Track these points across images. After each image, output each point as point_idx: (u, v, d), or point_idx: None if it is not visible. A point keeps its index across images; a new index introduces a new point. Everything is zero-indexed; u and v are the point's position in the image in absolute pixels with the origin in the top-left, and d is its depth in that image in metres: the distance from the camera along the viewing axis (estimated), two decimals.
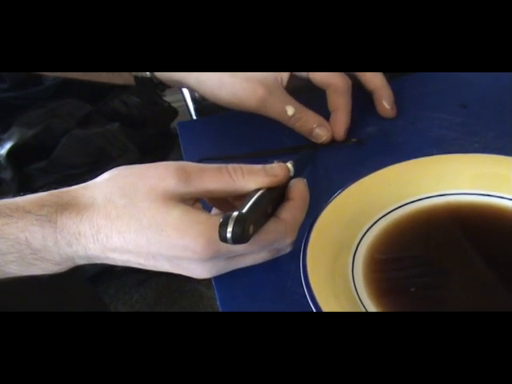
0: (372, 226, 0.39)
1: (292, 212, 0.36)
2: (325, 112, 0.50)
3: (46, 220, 0.34)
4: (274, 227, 0.35)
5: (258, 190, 0.36)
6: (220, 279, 0.37)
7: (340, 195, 0.39)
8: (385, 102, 0.50)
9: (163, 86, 0.51)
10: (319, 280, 0.34)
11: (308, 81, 0.50)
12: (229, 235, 0.31)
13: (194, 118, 0.62)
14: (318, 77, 0.49)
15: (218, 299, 0.37)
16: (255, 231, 0.34)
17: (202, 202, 0.38)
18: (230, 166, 0.36)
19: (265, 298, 0.37)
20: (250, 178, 0.36)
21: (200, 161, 0.49)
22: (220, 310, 0.37)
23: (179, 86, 0.53)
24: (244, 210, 0.33)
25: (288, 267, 0.38)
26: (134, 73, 0.51)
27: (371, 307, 0.34)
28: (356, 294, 0.34)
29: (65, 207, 0.34)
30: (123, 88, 1.22)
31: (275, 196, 0.37)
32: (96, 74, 0.51)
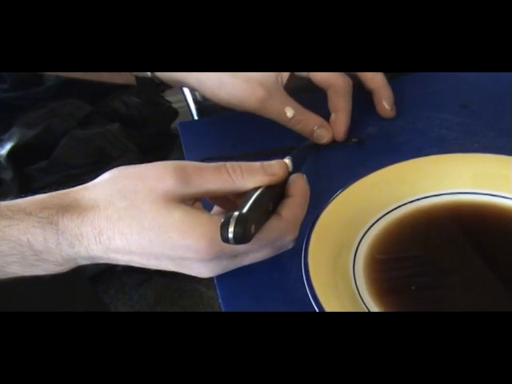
0: (372, 225, 0.39)
1: (293, 209, 0.37)
2: (325, 112, 0.50)
3: (47, 222, 0.34)
4: (276, 225, 0.36)
5: (257, 188, 0.36)
6: (222, 279, 0.37)
7: (340, 195, 0.39)
8: (385, 102, 0.50)
9: (164, 85, 0.51)
10: (321, 279, 0.34)
11: (308, 80, 0.50)
12: (230, 235, 0.32)
13: (196, 118, 0.62)
14: (319, 77, 0.49)
15: (221, 299, 0.37)
16: (257, 230, 0.34)
17: (203, 200, 0.38)
18: (229, 164, 0.36)
19: (267, 298, 0.37)
20: (249, 178, 0.36)
21: (203, 161, 0.49)
22: (222, 309, 0.37)
23: (180, 85, 0.53)
24: (245, 210, 0.33)
25: (289, 266, 0.38)
26: (134, 72, 0.51)
27: (372, 305, 0.34)
28: (357, 293, 0.35)
29: (66, 209, 0.34)
30: (123, 88, 1.22)
31: (275, 193, 0.37)
32: (97, 73, 0.51)
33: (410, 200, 0.40)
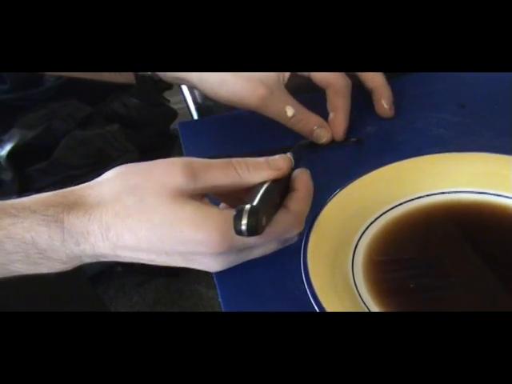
0: (371, 224, 0.39)
1: (298, 202, 0.37)
2: (326, 112, 0.50)
3: (52, 220, 0.34)
4: (284, 218, 0.36)
5: (263, 182, 0.36)
6: (222, 279, 0.38)
7: (339, 194, 0.40)
8: (384, 102, 0.51)
9: (163, 83, 0.52)
10: (320, 278, 0.34)
11: (308, 79, 0.50)
12: (244, 227, 0.32)
13: (195, 118, 0.62)
14: (319, 76, 0.49)
15: (221, 298, 0.37)
16: (267, 222, 0.34)
17: (208, 195, 0.38)
18: (235, 160, 0.37)
19: (267, 297, 0.37)
20: (255, 172, 0.36)
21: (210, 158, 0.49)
22: (222, 309, 0.37)
23: (180, 83, 0.53)
24: (256, 203, 0.33)
25: (289, 265, 0.38)
26: None
27: (371, 303, 0.34)
28: (356, 291, 0.35)
29: (71, 207, 0.34)
30: (123, 89, 1.23)
31: (281, 187, 0.37)
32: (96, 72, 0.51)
33: (409, 199, 0.41)
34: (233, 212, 0.33)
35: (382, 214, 0.40)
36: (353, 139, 0.50)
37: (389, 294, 0.35)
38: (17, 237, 0.34)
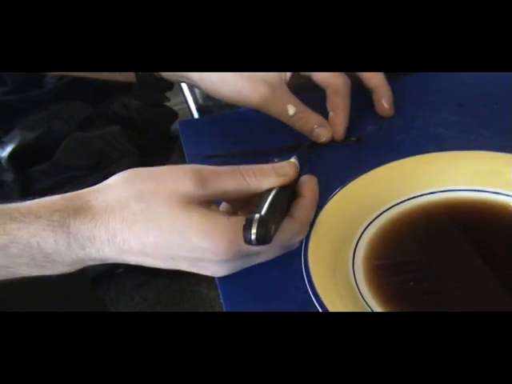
0: (371, 222, 0.39)
1: (304, 210, 0.37)
2: (327, 111, 0.50)
3: (58, 225, 0.34)
4: (289, 226, 0.36)
5: (270, 189, 0.37)
6: (224, 279, 0.38)
7: (339, 192, 0.40)
8: (384, 101, 0.51)
9: (164, 82, 0.52)
10: (321, 276, 0.34)
11: (309, 79, 0.50)
12: (253, 237, 0.33)
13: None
14: (319, 76, 0.49)
15: (222, 298, 0.37)
16: (275, 231, 0.35)
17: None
18: (242, 167, 0.37)
19: (268, 296, 0.37)
20: (262, 179, 0.37)
21: (204, 159, 0.50)
22: (224, 309, 0.37)
23: (181, 81, 0.53)
24: (264, 212, 0.34)
25: (290, 265, 0.38)
26: None
27: (371, 300, 0.34)
28: (357, 289, 0.35)
29: (77, 211, 0.34)
30: (124, 91, 1.23)
31: (288, 194, 0.38)
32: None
33: (409, 197, 0.41)
34: (240, 219, 0.34)
35: (382, 213, 0.40)
36: (353, 138, 0.50)
37: (388, 288, 0.36)
38: (22, 241, 0.34)
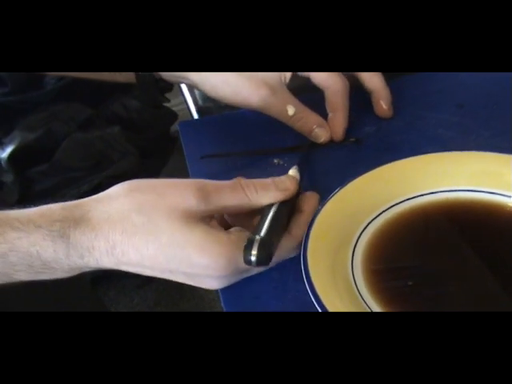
0: (370, 222, 0.40)
1: (303, 227, 0.38)
2: (326, 113, 0.50)
3: (57, 236, 0.34)
4: (287, 244, 0.37)
5: (271, 204, 0.37)
6: None
7: (338, 193, 0.40)
8: (382, 102, 0.51)
9: (164, 83, 0.52)
10: (320, 277, 0.34)
11: (308, 80, 0.50)
12: (253, 258, 0.33)
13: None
14: (318, 77, 0.49)
15: (222, 299, 0.37)
16: (275, 250, 0.35)
17: None
18: (243, 181, 0.37)
19: (268, 296, 0.37)
20: (263, 194, 0.37)
21: (202, 158, 0.50)
22: (224, 309, 0.37)
23: (181, 82, 0.53)
24: (265, 232, 0.34)
25: (289, 265, 0.38)
26: None
27: (370, 300, 0.34)
28: (356, 289, 0.35)
29: (77, 222, 0.34)
30: (124, 92, 1.23)
31: (288, 209, 0.38)
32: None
33: (408, 197, 0.41)
34: (240, 236, 0.34)
35: (381, 213, 0.40)
36: (352, 139, 0.50)
37: (386, 287, 0.36)
38: (21, 250, 0.34)
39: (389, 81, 0.51)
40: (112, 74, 0.52)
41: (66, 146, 1.12)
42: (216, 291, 0.38)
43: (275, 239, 0.35)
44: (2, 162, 1.12)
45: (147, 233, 0.34)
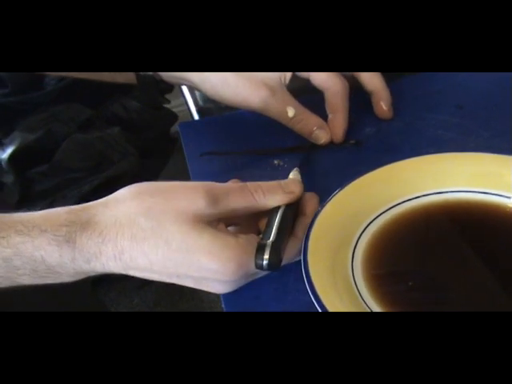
0: (370, 223, 0.40)
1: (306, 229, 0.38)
2: (326, 114, 0.50)
3: (63, 240, 0.34)
4: (293, 246, 0.37)
5: (277, 207, 0.37)
6: None
7: (338, 194, 0.40)
8: (382, 104, 0.51)
9: (165, 84, 0.52)
10: (320, 277, 0.34)
11: (308, 81, 0.50)
12: (265, 263, 0.33)
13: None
14: (317, 79, 0.50)
15: (223, 299, 0.37)
16: (283, 253, 0.35)
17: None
18: (250, 184, 0.37)
19: (268, 297, 0.37)
20: (269, 197, 0.37)
21: (202, 155, 0.50)
22: (224, 309, 0.37)
23: (181, 83, 0.53)
24: (275, 236, 0.34)
25: (289, 266, 0.38)
26: None
27: (370, 300, 0.34)
28: (356, 288, 0.35)
29: (84, 226, 0.34)
30: (124, 92, 1.23)
31: (293, 212, 0.38)
32: (98, 72, 0.51)
33: (407, 198, 0.41)
34: (249, 240, 0.34)
35: (381, 214, 0.40)
36: (351, 142, 0.50)
37: (386, 287, 0.36)
38: (26, 254, 0.34)
39: (389, 82, 0.51)
40: (112, 74, 0.52)
41: (66, 147, 1.12)
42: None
43: (284, 242, 0.36)
44: (3, 163, 1.12)
45: (157, 237, 0.34)
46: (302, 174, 0.43)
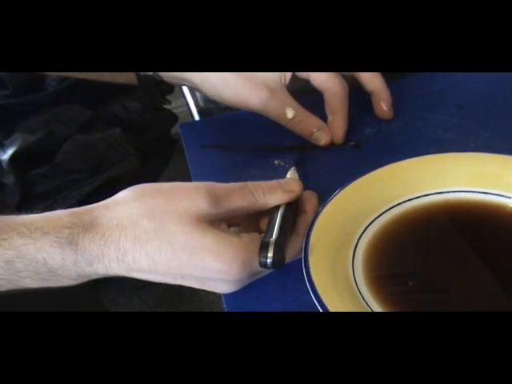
0: (371, 223, 0.40)
1: (308, 227, 0.38)
2: (326, 115, 0.50)
3: (66, 242, 0.34)
4: (295, 243, 0.37)
5: (277, 206, 0.37)
6: None
7: (339, 194, 0.40)
8: (383, 104, 0.51)
9: (165, 84, 0.52)
10: (321, 277, 0.34)
11: (308, 82, 0.50)
12: (269, 261, 0.34)
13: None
14: (317, 80, 0.50)
15: (224, 299, 0.37)
16: (286, 252, 0.35)
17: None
18: (250, 184, 0.37)
19: (269, 297, 0.37)
20: (270, 196, 0.37)
21: (202, 147, 0.50)
22: (225, 309, 0.37)
23: (181, 83, 0.53)
24: (278, 234, 0.35)
25: (290, 265, 0.38)
26: None
27: (371, 300, 0.34)
28: (356, 288, 0.35)
29: (86, 229, 0.34)
30: (124, 93, 1.23)
31: (294, 210, 0.38)
32: (99, 73, 0.51)
33: (408, 198, 0.41)
34: (252, 239, 0.34)
35: (381, 214, 0.40)
36: (351, 143, 0.50)
37: (386, 288, 0.36)
38: (28, 257, 0.34)
39: (389, 82, 0.51)
40: (112, 74, 0.52)
41: (66, 148, 1.12)
42: (215, 293, 0.38)
43: (287, 239, 0.36)
44: (3, 164, 1.12)
45: (160, 239, 0.33)
46: (301, 173, 0.43)
